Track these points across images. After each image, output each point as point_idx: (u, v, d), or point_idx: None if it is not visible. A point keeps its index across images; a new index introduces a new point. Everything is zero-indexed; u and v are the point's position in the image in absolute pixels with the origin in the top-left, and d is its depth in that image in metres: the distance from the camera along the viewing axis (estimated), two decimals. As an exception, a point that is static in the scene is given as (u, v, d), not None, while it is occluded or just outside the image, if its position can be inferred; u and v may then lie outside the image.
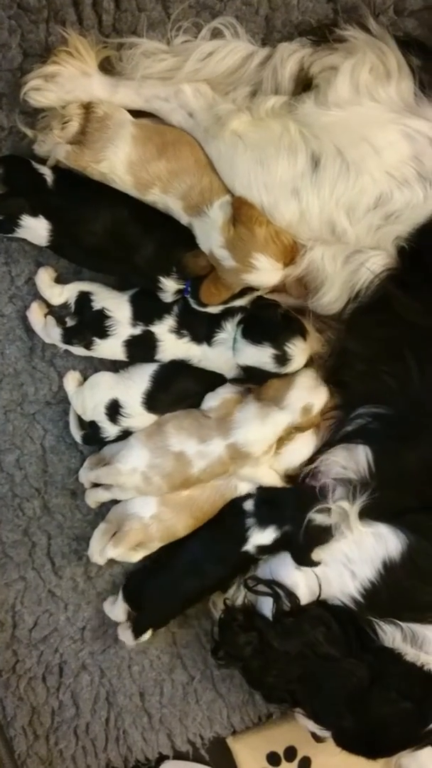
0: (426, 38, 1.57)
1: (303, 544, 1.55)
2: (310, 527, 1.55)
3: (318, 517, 1.56)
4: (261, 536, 1.61)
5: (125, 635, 1.76)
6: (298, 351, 1.54)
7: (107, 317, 1.61)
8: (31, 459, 1.78)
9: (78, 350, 1.66)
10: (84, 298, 1.63)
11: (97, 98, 1.51)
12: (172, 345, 1.61)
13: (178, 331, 1.60)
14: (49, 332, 1.65)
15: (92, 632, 1.87)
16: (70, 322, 1.65)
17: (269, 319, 1.55)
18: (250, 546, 1.62)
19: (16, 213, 1.53)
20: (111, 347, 1.63)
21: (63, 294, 1.64)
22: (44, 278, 1.65)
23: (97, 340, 1.62)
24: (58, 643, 1.87)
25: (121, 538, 1.64)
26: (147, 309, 1.61)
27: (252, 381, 1.62)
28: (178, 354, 1.62)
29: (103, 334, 1.61)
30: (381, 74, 1.45)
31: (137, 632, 1.73)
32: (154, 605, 1.73)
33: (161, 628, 1.80)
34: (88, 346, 1.63)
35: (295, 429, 1.59)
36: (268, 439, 1.59)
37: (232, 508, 1.66)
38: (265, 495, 1.65)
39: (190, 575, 1.68)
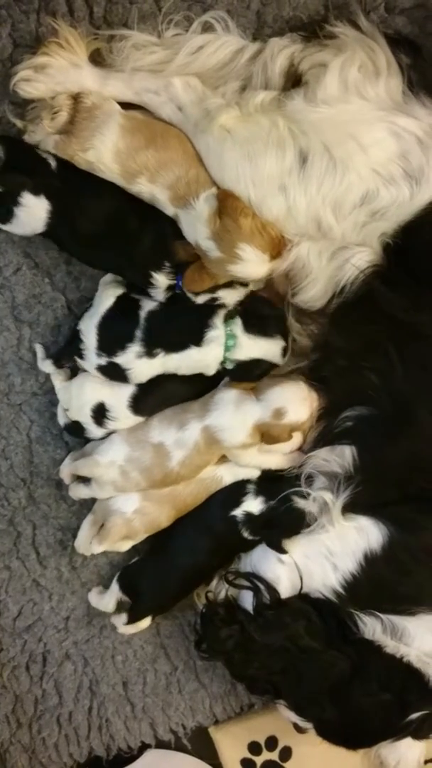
0: (416, 36, 1.58)
1: (279, 527, 1.58)
2: (291, 510, 1.57)
3: (300, 502, 1.58)
4: (252, 504, 1.62)
5: (121, 625, 1.75)
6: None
7: (81, 341, 1.60)
8: (17, 449, 1.78)
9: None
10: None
11: (87, 90, 1.51)
12: (146, 368, 1.57)
13: (150, 352, 1.56)
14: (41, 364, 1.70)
15: (76, 622, 1.88)
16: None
17: (270, 313, 1.58)
18: (239, 511, 1.62)
19: (18, 189, 1.49)
20: (90, 368, 1.62)
21: None
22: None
23: (78, 360, 1.62)
24: (42, 633, 1.88)
25: (105, 535, 1.65)
26: (110, 339, 1.57)
27: (247, 377, 1.61)
28: (154, 372, 1.59)
29: (80, 356, 1.61)
30: (370, 72, 1.45)
31: (133, 619, 1.73)
32: (151, 589, 1.73)
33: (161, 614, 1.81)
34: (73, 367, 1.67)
35: (264, 438, 1.59)
36: (238, 428, 1.58)
37: None
38: (270, 472, 1.66)
39: (182, 553, 1.69)
